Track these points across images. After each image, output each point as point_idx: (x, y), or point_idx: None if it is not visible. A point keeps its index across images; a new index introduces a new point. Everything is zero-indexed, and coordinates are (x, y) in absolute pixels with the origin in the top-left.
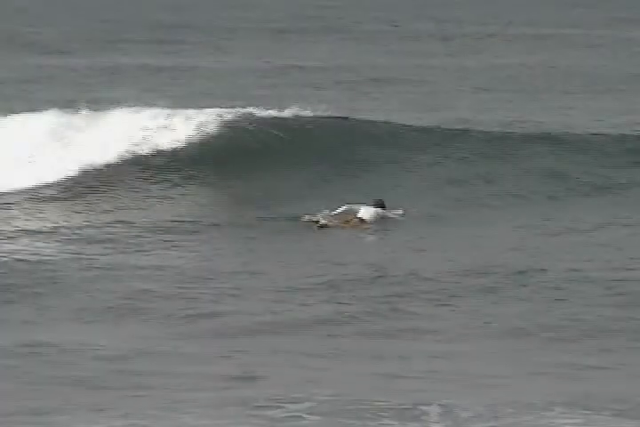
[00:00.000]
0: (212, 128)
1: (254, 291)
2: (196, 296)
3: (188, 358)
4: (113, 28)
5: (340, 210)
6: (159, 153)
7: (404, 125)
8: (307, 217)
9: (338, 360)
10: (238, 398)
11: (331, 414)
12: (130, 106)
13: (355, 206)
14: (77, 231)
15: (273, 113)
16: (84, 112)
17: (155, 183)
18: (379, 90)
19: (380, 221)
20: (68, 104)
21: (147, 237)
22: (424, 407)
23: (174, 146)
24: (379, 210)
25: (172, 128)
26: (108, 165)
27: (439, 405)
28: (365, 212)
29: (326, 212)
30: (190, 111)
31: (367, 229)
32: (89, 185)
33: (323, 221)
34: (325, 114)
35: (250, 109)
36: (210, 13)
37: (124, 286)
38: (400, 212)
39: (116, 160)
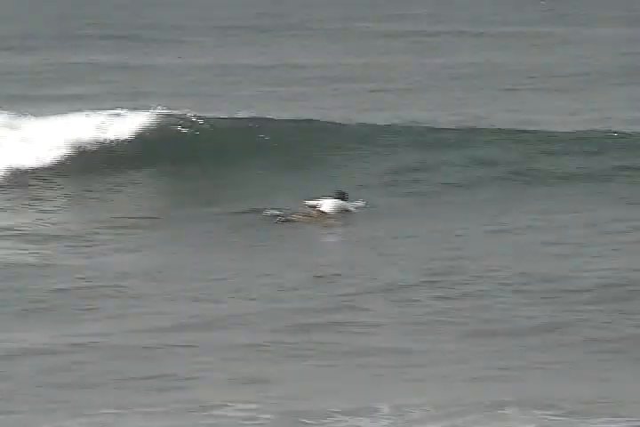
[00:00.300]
0: (167, 125)
1: (205, 288)
2: (145, 293)
3: (135, 357)
4: (66, 25)
5: (308, 203)
6: (113, 150)
7: (360, 123)
8: (268, 212)
9: (288, 358)
10: (186, 398)
11: (282, 413)
12: (82, 103)
13: (318, 200)
14: (30, 228)
15: (229, 111)
16: (35, 109)
17: (110, 180)
18: (337, 88)
19: (342, 213)
20: (20, 101)
21: (102, 233)
22: (375, 406)
23: (128, 142)
24: (340, 202)
25: (125, 125)
26: (62, 162)
27: (389, 404)
28: (327, 204)
29: (306, 202)
30: (144, 108)
31: (329, 222)
32: (45, 181)
33: (284, 216)
34: (282, 113)
35: (206, 107)
36: (166, 12)
37: (71, 283)
38: (361, 203)
39: (70, 157)
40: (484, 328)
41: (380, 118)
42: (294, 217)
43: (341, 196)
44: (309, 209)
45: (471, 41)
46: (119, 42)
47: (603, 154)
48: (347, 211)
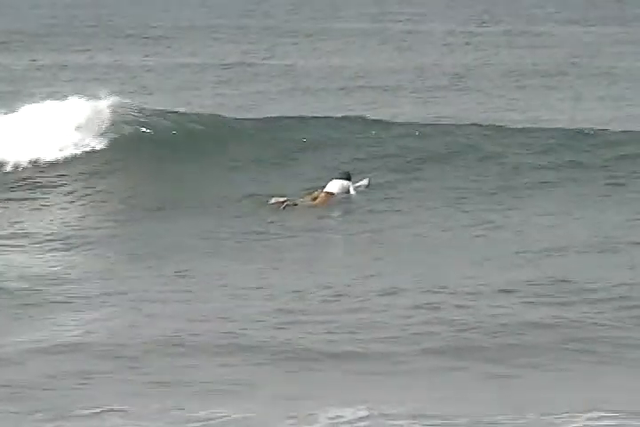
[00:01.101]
0: (152, 122)
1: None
2: (130, 291)
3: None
4: (51, 24)
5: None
6: (92, 147)
7: (345, 118)
8: (273, 200)
9: (273, 357)
10: (166, 400)
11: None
12: (58, 100)
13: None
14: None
15: (215, 109)
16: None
17: (92, 177)
18: (324, 86)
19: (346, 193)
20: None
21: (81, 232)
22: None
23: (111, 139)
24: (344, 182)
25: (107, 120)
26: (49, 161)
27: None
28: (332, 185)
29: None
30: (126, 105)
31: (333, 202)
32: (29, 179)
33: (291, 200)
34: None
35: (191, 104)
36: (153, 11)
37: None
38: (365, 182)
39: (56, 154)
40: (470, 331)
41: (365, 113)
42: (300, 201)
43: (346, 176)
44: (317, 192)
45: (457, 39)
46: (106, 41)
47: (585, 150)
48: (348, 192)
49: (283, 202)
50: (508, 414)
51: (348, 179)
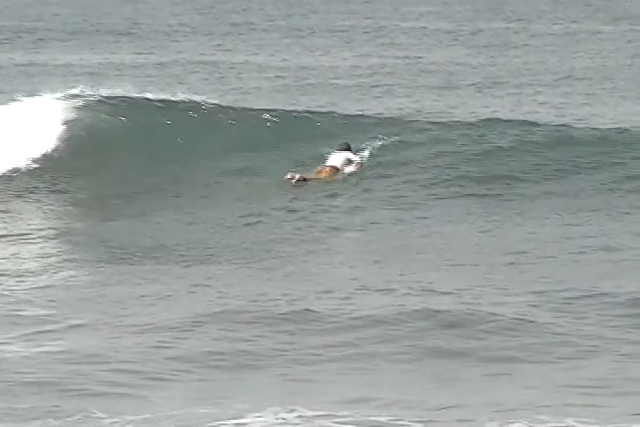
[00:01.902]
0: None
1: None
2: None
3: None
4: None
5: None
6: (76, 140)
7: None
8: (289, 174)
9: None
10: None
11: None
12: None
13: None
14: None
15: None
16: None
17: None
18: (315, 83)
19: (349, 164)
20: None
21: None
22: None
23: (101, 131)
24: (346, 154)
25: (93, 115)
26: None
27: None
28: (335, 159)
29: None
30: (114, 97)
31: (339, 176)
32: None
33: (300, 176)
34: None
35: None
36: (130, 9)
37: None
38: (366, 153)
39: (53, 146)
40: (465, 331)
41: (356, 109)
42: (310, 176)
43: (346, 147)
44: (321, 167)
45: (448, 37)
46: (96, 39)
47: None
48: (351, 161)
49: (297, 177)
50: (499, 414)
51: (349, 149)
